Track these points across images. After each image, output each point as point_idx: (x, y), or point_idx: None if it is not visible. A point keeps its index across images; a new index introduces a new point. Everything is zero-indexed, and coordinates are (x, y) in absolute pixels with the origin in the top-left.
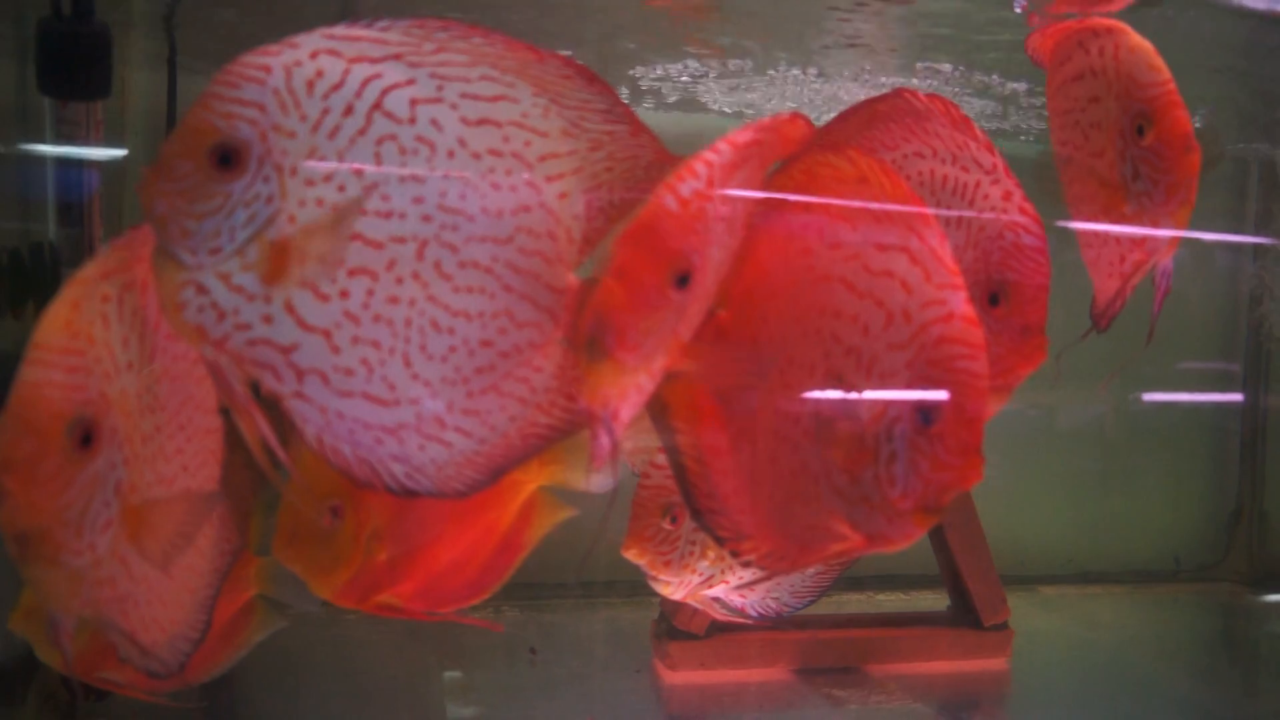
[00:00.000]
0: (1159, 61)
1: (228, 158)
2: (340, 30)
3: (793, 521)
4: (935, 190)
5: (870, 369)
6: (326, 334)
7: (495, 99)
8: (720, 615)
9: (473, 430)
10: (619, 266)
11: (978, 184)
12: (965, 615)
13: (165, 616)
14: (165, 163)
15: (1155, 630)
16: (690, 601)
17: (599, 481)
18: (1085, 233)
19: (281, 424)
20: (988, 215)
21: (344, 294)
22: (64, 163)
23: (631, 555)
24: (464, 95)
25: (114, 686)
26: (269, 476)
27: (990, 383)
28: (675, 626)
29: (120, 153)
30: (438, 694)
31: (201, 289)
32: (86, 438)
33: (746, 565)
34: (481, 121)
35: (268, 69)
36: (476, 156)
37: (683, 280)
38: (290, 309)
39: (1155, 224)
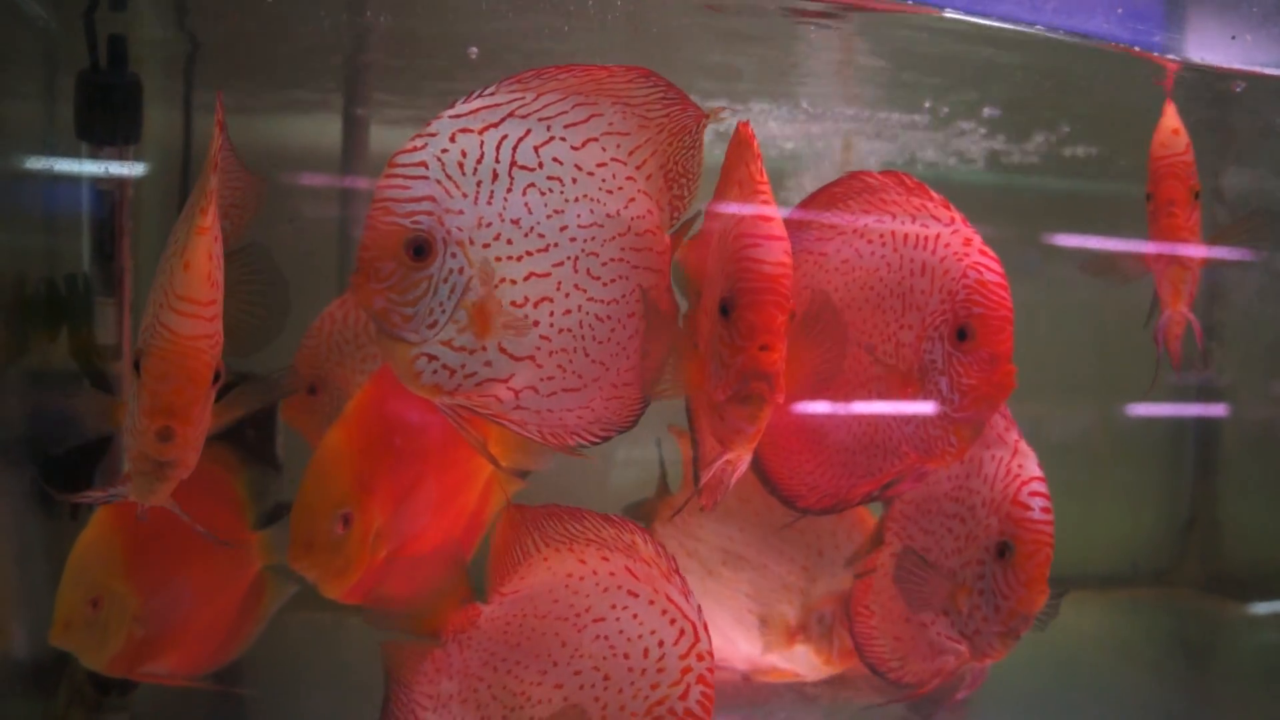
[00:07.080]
0: None
1: (421, 249)
2: (461, 107)
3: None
4: (898, 246)
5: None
6: (532, 358)
7: (589, 119)
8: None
9: (632, 379)
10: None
11: (938, 235)
12: None
13: None
14: (368, 266)
15: (1113, 633)
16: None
17: (544, 462)
18: None
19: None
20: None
21: (535, 323)
22: (96, 195)
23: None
24: (567, 126)
25: (155, 679)
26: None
27: (964, 413)
28: None
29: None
30: None
31: (432, 358)
32: (217, 375)
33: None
34: (586, 142)
35: (424, 164)
36: (591, 174)
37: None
38: (503, 350)
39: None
